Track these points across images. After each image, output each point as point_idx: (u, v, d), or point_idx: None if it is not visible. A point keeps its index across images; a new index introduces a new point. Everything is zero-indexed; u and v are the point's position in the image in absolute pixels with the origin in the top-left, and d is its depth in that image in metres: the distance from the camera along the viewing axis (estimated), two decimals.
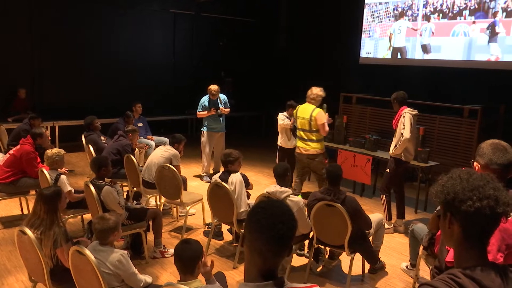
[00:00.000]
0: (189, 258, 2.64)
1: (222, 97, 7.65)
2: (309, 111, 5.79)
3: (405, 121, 5.24)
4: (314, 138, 5.85)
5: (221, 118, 7.63)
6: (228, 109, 7.70)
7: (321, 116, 5.78)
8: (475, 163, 2.25)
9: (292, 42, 12.25)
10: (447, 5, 8.00)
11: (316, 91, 5.84)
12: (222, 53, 12.11)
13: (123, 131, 6.52)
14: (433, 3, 8.24)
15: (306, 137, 5.88)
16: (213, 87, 7.51)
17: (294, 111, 6.10)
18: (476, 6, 7.57)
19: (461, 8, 7.80)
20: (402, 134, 5.23)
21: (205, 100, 7.56)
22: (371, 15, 9.31)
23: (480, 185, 1.40)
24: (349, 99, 9.13)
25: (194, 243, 2.74)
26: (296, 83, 11.75)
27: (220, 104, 7.58)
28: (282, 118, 6.91)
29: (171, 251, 4.74)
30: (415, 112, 5.36)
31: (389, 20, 8.99)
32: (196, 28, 11.63)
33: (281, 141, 7.01)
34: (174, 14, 11.20)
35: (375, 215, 4.52)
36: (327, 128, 5.85)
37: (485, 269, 1.37)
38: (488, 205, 1.36)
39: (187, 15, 11.37)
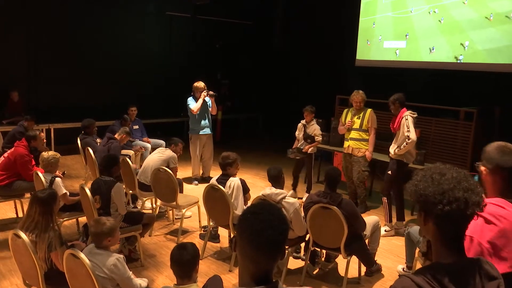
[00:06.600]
0: (185, 264, 2.62)
1: (207, 100, 7.59)
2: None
3: (408, 123, 5.28)
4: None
5: (207, 117, 7.60)
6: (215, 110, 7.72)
7: None
8: (482, 167, 2.18)
9: (289, 44, 12.26)
10: None
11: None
12: (218, 55, 12.11)
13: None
14: None
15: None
16: (200, 84, 7.43)
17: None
18: None
19: None
20: (408, 136, 5.25)
21: (191, 99, 7.52)
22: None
23: (450, 188, 1.46)
24: (345, 101, 9.11)
25: (190, 247, 2.70)
26: (293, 84, 11.83)
27: (208, 107, 7.56)
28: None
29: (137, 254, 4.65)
30: (415, 114, 5.42)
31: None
32: (193, 30, 11.61)
33: None
34: (171, 17, 11.19)
35: (371, 218, 4.52)
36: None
37: (462, 266, 1.46)
38: (458, 208, 1.43)
39: (184, 18, 11.35)
